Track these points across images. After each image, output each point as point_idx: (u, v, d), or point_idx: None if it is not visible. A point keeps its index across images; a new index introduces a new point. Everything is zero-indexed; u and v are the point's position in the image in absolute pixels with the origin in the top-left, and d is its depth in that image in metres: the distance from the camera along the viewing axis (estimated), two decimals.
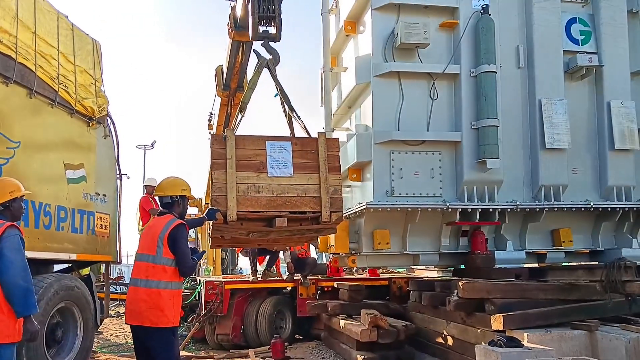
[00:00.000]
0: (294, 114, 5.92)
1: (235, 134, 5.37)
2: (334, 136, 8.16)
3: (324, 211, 5.29)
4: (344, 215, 7.50)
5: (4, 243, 3.32)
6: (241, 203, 5.14)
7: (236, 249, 12.83)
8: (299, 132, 5.89)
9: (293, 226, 5.36)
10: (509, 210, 6.91)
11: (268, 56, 6.10)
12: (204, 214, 4.90)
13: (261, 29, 6.05)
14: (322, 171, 5.35)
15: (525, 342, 4.62)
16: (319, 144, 5.42)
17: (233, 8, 7.19)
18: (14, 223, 3.51)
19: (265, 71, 6.10)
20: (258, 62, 6.09)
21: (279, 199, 5.24)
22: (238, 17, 7.03)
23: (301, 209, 5.31)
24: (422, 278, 8.89)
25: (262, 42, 6.11)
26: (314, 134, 5.52)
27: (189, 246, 4.31)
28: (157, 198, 4.71)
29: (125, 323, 4.34)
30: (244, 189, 5.19)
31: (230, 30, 7.27)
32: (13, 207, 3.62)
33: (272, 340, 7.50)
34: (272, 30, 6.08)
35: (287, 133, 5.95)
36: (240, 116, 5.94)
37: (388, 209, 6.62)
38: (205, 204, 12.98)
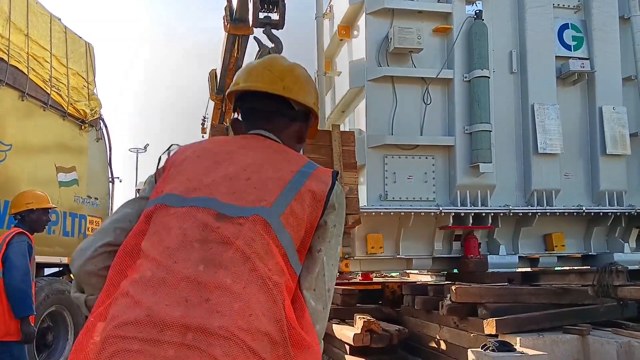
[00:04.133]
0: None
1: None
2: None
3: None
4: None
5: (11, 248, 3.57)
6: None
7: None
8: None
9: None
10: (501, 214, 6.94)
11: (270, 44, 5.78)
12: None
13: (262, 14, 5.70)
14: (337, 168, 4.68)
15: (517, 347, 4.62)
16: (333, 138, 4.83)
17: (229, 0, 6.95)
18: (24, 230, 3.72)
19: None
20: (259, 51, 5.70)
21: None
22: (234, 9, 6.78)
23: None
24: (416, 282, 8.88)
25: (264, 29, 5.77)
26: None
27: None
28: None
29: None
30: None
31: (226, 23, 6.93)
32: (29, 218, 3.83)
33: None
34: (274, 16, 5.75)
35: None
36: None
37: (381, 213, 6.62)
38: None
